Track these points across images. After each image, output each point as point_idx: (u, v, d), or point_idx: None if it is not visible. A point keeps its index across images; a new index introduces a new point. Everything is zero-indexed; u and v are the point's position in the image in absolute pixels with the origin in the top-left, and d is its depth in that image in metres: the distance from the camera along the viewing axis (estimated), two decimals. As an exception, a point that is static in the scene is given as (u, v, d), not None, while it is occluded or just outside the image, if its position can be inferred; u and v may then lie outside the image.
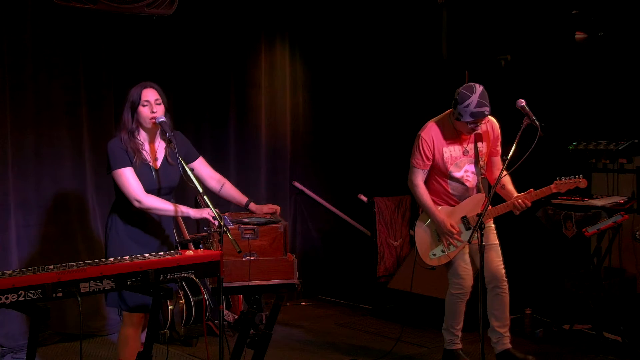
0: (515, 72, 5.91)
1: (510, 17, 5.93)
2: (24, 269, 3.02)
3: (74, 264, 3.12)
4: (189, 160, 3.89)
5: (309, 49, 6.63)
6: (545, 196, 4.37)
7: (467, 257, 4.53)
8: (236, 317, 5.38)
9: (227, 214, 4.00)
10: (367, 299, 6.30)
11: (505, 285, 4.50)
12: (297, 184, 6.61)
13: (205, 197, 3.59)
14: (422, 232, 4.54)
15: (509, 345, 4.56)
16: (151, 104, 3.71)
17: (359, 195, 6.40)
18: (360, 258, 6.54)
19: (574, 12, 5.58)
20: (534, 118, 3.93)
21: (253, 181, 6.27)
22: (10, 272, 2.98)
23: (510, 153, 3.85)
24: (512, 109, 4.07)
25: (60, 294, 2.94)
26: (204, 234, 3.94)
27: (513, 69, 5.95)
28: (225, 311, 5.43)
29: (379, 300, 6.07)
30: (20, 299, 2.82)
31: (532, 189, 4.32)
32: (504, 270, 4.50)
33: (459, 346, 4.67)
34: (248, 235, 3.74)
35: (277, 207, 4.03)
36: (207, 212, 3.66)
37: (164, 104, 3.77)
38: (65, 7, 5.06)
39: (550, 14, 5.71)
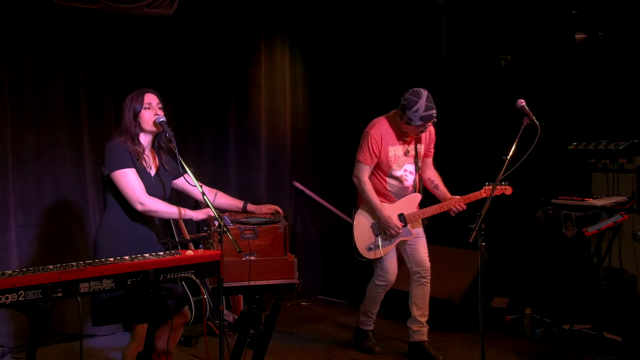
0: (515, 72, 5.91)
1: (510, 17, 5.93)
2: (24, 269, 3.02)
3: (74, 264, 3.12)
4: (179, 174, 3.87)
5: (309, 49, 6.63)
6: (476, 200, 4.66)
7: (395, 253, 4.87)
8: (236, 317, 5.38)
9: (227, 214, 4.00)
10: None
11: (429, 276, 4.85)
12: (297, 184, 6.61)
13: (205, 196, 3.59)
14: (361, 225, 4.82)
15: (426, 338, 4.87)
16: (153, 107, 3.70)
17: (359, 195, 6.40)
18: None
19: (574, 12, 5.58)
20: (534, 118, 3.93)
21: (253, 181, 6.27)
22: (10, 272, 2.97)
23: (510, 153, 3.85)
24: (512, 109, 4.07)
25: (60, 294, 2.93)
26: (204, 234, 3.94)
27: (513, 69, 5.95)
28: (225, 311, 5.43)
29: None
30: (20, 299, 2.82)
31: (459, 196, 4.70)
32: (429, 262, 4.85)
33: (371, 327, 5.11)
34: (248, 235, 3.74)
35: (278, 208, 4.04)
36: (208, 211, 3.66)
37: (163, 109, 3.76)
38: (65, 7, 5.06)
39: (550, 14, 5.71)
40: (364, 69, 6.77)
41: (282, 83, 6.48)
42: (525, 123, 3.95)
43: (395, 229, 4.70)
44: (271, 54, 6.39)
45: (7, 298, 2.78)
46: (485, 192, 4.62)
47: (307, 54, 6.64)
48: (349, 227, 6.67)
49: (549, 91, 5.67)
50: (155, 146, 3.78)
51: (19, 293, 2.81)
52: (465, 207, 4.67)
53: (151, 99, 3.70)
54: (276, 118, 6.45)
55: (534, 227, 5.42)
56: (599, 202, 5.04)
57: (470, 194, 4.66)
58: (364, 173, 4.75)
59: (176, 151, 3.61)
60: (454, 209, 4.68)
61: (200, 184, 3.70)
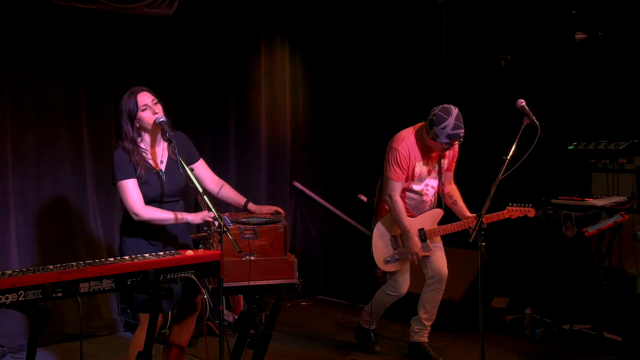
0: (515, 72, 5.91)
1: (510, 17, 5.93)
2: (24, 269, 3.02)
3: (74, 264, 3.12)
4: (190, 162, 3.90)
5: (309, 49, 6.63)
6: (499, 220, 4.58)
7: (409, 267, 4.81)
8: (236, 317, 5.38)
9: (226, 214, 4.00)
10: (367, 299, 6.27)
11: (445, 283, 4.77)
12: (297, 184, 6.61)
13: (205, 197, 3.59)
14: (380, 238, 4.78)
15: (427, 340, 4.84)
16: (150, 106, 3.70)
17: (359, 195, 6.39)
18: (360, 258, 6.53)
19: (574, 12, 5.58)
20: (534, 118, 3.93)
21: (253, 181, 6.27)
22: (10, 272, 2.98)
23: (510, 153, 3.85)
24: (512, 109, 4.07)
25: (60, 294, 2.94)
26: (204, 234, 3.94)
27: (513, 69, 5.95)
28: (225, 311, 5.43)
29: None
30: (20, 299, 2.82)
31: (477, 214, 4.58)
32: (447, 271, 4.77)
33: (373, 327, 5.10)
34: (248, 235, 3.74)
35: (279, 208, 4.04)
36: (205, 215, 3.67)
37: (159, 103, 3.77)
38: (65, 7, 5.06)
39: (550, 14, 5.71)
40: (364, 69, 6.77)
41: (282, 83, 6.48)
42: (525, 123, 3.95)
43: (417, 256, 4.63)
44: (271, 54, 6.39)
45: (7, 298, 2.79)
46: (508, 212, 4.55)
47: (307, 53, 6.63)
48: (349, 227, 6.70)
49: (549, 91, 5.67)
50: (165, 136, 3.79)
51: (19, 293, 2.82)
52: (485, 226, 4.42)
53: (145, 98, 3.70)
54: (276, 118, 6.44)
55: (534, 227, 5.41)
56: (599, 202, 5.04)
57: (492, 214, 4.51)
58: (397, 191, 4.62)
59: (176, 151, 3.62)
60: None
61: (201, 185, 3.71)
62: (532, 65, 5.84)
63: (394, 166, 4.60)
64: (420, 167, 4.65)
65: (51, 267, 3.04)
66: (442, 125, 4.40)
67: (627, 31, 5.33)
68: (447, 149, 4.56)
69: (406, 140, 4.62)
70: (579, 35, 5.58)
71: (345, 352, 5.08)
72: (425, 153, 4.64)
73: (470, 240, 3.95)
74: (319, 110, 6.76)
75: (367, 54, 6.73)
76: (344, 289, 6.59)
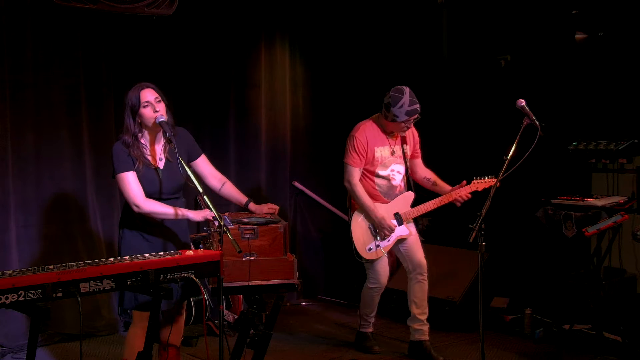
0: (515, 72, 5.91)
1: (510, 17, 5.93)
2: (24, 269, 3.02)
3: (74, 264, 3.12)
4: (192, 158, 3.91)
5: (309, 48, 6.63)
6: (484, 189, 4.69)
7: (386, 256, 4.87)
8: (236, 317, 5.38)
9: (226, 214, 4.01)
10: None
11: (426, 273, 4.86)
12: (297, 184, 6.61)
13: (205, 197, 3.59)
14: (358, 226, 4.84)
15: (428, 338, 4.86)
16: (152, 103, 3.71)
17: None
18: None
19: (574, 12, 5.57)
20: (534, 118, 3.94)
21: (253, 181, 6.27)
22: (10, 272, 2.98)
23: (510, 153, 3.85)
24: (512, 109, 4.07)
25: (60, 294, 2.94)
26: (204, 234, 3.95)
27: (513, 69, 5.95)
28: (225, 311, 5.43)
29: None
30: (20, 299, 2.82)
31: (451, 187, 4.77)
32: (425, 260, 4.86)
33: (370, 329, 5.11)
34: (248, 235, 3.74)
35: (276, 207, 4.05)
36: (207, 214, 3.67)
37: (163, 101, 3.77)
38: (65, 7, 5.06)
39: (550, 14, 5.71)
40: (364, 69, 6.76)
41: (282, 83, 6.48)
42: (525, 123, 3.96)
43: (389, 229, 4.73)
44: (271, 54, 6.39)
45: (7, 298, 2.79)
46: (474, 185, 4.67)
47: (307, 53, 6.63)
48: (349, 227, 6.68)
49: (549, 91, 5.67)
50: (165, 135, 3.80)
51: (19, 293, 2.82)
52: (470, 196, 4.69)
53: (149, 95, 3.71)
54: (276, 118, 6.44)
55: (534, 227, 5.42)
56: (599, 202, 5.03)
57: (475, 183, 4.68)
58: (354, 176, 4.78)
59: (176, 151, 3.62)
60: (460, 198, 4.70)
61: (203, 182, 3.72)
62: (532, 65, 5.84)
63: (352, 152, 4.77)
64: (381, 152, 4.78)
65: (51, 267, 3.04)
66: (399, 104, 4.58)
67: (627, 31, 5.32)
68: (408, 127, 4.70)
69: (362, 127, 4.81)
70: (579, 35, 5.57)
71: (345, 352, 5.08)
72: (385, 139, 4.79)
73: (470, 240, 3.95)
74: (319, 110, 6.76)
75: (367, 54, 6.73)
76: (344, 289, 6.58)
